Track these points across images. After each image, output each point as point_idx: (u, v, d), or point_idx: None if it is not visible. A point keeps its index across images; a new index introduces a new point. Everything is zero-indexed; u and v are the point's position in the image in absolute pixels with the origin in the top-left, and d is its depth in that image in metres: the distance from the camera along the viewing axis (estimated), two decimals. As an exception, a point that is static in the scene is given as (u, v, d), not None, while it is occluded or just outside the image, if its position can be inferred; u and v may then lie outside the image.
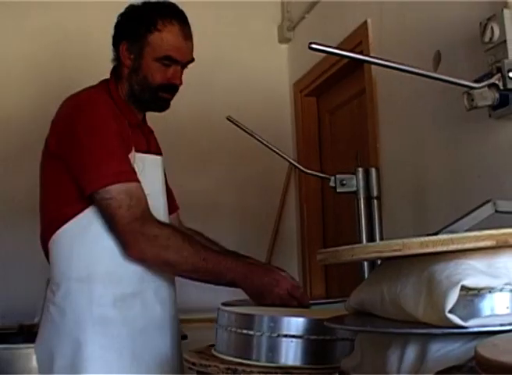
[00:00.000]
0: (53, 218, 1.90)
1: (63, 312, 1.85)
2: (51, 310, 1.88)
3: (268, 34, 3.58)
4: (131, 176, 1.83)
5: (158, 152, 2.10)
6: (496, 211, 1.25)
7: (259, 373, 1.37)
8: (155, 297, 1.94)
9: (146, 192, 1.86)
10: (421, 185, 2.33)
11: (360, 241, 2.09)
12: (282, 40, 3.58)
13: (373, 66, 2.65)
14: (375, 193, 2.07)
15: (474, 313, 1.02)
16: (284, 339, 1.44)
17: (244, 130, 2.03)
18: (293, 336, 1.43)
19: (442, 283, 0.99)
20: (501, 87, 1.27)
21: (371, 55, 2.67)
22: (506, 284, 1.03)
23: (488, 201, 1.24)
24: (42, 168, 1.95)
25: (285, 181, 3.55)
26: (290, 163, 2.24)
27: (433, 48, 2.23)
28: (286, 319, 1.44)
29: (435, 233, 1.19)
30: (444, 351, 1.02)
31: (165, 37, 1.93)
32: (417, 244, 0.99)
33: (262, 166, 3.43)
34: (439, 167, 2.21)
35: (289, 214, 3.58)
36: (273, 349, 1.44)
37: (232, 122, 2.02)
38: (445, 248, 0.98)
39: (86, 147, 1.83)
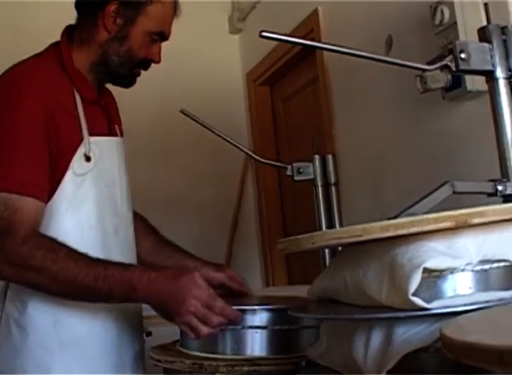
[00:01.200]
0: None
1: (25, 333, 1.60)
2: (13, 330, 1.61)
3: (219, 25, 3.57)
4: (27, 188, 1.52)
5: (121, 131, 1.88)
6: (454, 192, 1.25)
7: (225, 366, 1.36)
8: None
9: (104, 184, 1.67)
10: (378, 170, 2.34)
11: (320, 228, 2.10)
12: (234, 30, 3.57)
13: (325, 53, 2.65)
14: (332, 180, 2.09)
15: (438, 295, 1.03)
16: (249, 330, 1.43)
17: (199, 123, 2.00)
18: (258, 327, 1.42)
19: (404, 267, 0.99)
20: (453, 69, 1.26)
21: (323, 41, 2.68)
22: (468, 264, 1.03)
23: (445, 183, 1.25)
24: None
25: (242, 172, 3.54)
26: (247, 154, 2.22)
27: (385, 33, 2.24)
28: (249, 311, 1.43)
29: (395, 217, 1.18)
30: (409, 334, 1.01)
31: (163, 11, 1.71)
32: (377, 229, 0.99)
33: (219, 158, 3.41)
34: (396, 151, 2.23)
35: (247, 205, 3.57)
36: (238, 341, 1.43)
37: (186, 115, 1.99)
38: (405, 231, 0.98)
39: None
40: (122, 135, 1.85)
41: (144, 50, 1.72)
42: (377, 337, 1.05)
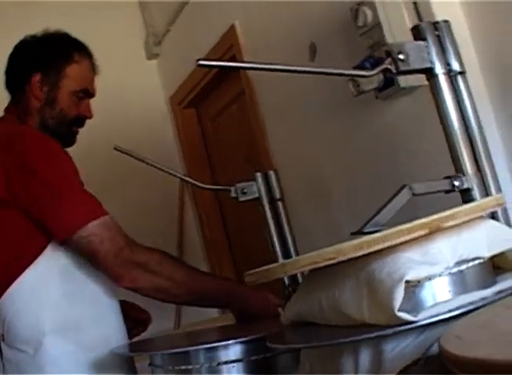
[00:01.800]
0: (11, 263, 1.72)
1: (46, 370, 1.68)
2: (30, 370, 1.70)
3: (135, 53, 3.49)
4: (100, 208, 1.72)
5: None
6: (414, 194, 1.23)
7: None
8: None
9: None
10: (320, 179, 2.32)
11: (273, 245, 2.04)
12: (150, 56, 3.50)
13: (249, 68, 2.63)
14: (277, 195, 2.03)
15: (419, 305, 1.00)
16: (225, 366, 1.38)
17: (133, 156, 1.94)
18: (234, 361, 1.37)
19: (384, 282, 0.96)
20: (394, 71, 1.24)
21: (245, 57, 2.65)
22: (446, 268, 1.00)
23: (404, 187, 1.22)
24: None
25: (179, 198, 3.47)
26: (185, 181, 2.16)
27: (307, 40, 2.22)
28: (222, 346, 1.37)
29: (361, 230, 1.15)
30: (398, 349, 0.98)
31: (82, 70, 1.88)
32: (350, 248, 0.95)
33: (156, 187, 3.33)
34: (335, 157, 2.21)
35: (190, 230, 3.50)
36: None
37: (120, 151, 1.92)
38: (380, 247, 0.94)
39: (49, 186, 1.68)
40: None
41: (74, 108, 1.87)
42: (365, 357, 1.01)
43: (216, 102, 3.22)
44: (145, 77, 3.48)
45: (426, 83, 1.73)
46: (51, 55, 1.86)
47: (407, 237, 0.95)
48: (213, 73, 2.97)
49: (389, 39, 1.79)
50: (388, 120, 1.93)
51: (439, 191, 1.29)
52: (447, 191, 1.30)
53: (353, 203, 2.17)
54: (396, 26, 1.80)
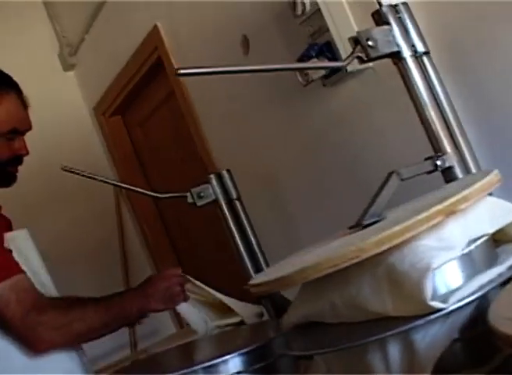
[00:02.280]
0: None
1: None
2: None
3: (51, 66, 3.35)
4: (11, 268, 1.66)
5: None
6: (401, 179, 1.22)
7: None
8: None
9: (32, 270, 1.72)
10: (270, 173, 2.29)
11: (236, 246, 2.01)
12: (67, 67, 3.37)
13: (178, 66, 2.56)
14: (234, 195, 2.00)
15: (440, 288, 0.99)
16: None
17: (84, 175, 1.87)
18: (238, 373, 1.34)
19: (410, 274, 0.94)
20: (365, 58, 1.24)
21: (172, 58, 2.59)
22: (461, 250, 1.00)
23: (392, 173, 1.21)
24: None
25: (116, 208, 3.38)
26: (144, 194, 2.09)
27: (239, 34, 2.18)
28: (221, 362, 1.34)
29: (360, 223, 1.13)
30: (429, 337, 0.97)
31: (6, 110, 1.75)
32: (373, 245, 0.93)
33: (91, 200, 3.25)
34: (285, 150, 2.18)
35: (131, 239, 3.43)
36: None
37: (68, 171, 1.85)
38: (401, 239, 0.93)
39: None
40: None
41: (5, 150, 1.76)
42: (395, 351, 1.00)
43: (143, 107, 3.14)
44: (64, 90, 3.37)
45: (371, 65, 1.76)
46: None
47: (426, 226, 0.94)
48: (138, 77, 2.90)
49: (331, 25, 1.78)
50: (337, 106, 1.92)
51: (422, 173, 1.29)
52: (429, 172, 1.30)
53: (307, 195, 2.15)
54: (336, 11, 1.79)
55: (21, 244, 1.79)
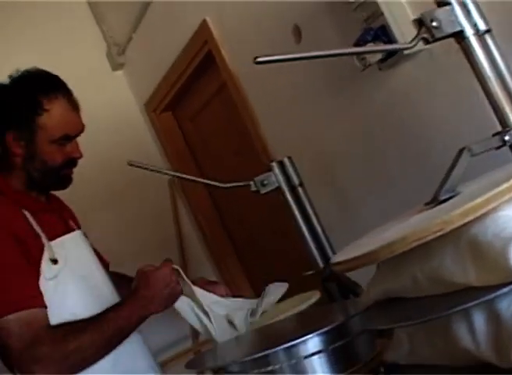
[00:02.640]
0: None
1: None
2: None
3: (99, 67, 3.43)
4: (22, 302, 1.66)
5: (78, 224, 1.99)
6: (472, 155, 1.25)
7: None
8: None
9: (81, 274, 1.78)
10: (329, 159, 2.32)
11: (301, 232, 2.05)
12: (115, 67, 3.45)
13: (229, 60, 2.61)
14: (296, 181, 2.03)
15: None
16: (306, 360, 1.36)
17: (151, 170, 1.92)
18: (315, 353, 1.36)
19: (493, 243, 0.97)
20: (430, 40, 1.26)
21: (222, 50, 2.64)
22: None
23: (463, 149, 1.24)
24: None
25: (172, 205, 3.45)
26: (208, 184, 2.14)
27: (289, 24, 2.22)
28: (300, 342, 1.35)
29: (436, 198, 1.16)
30: (515, 304, 1.00)
31: (55, 117, 1.78)
32: (457, 217, 0.96)
33: (147, 198, 3.31)
34: (343, 135, 2.21)
35: (189, 236, 3.48)
36: (301, 374, 1.36)
37: (134, 166, 1.90)
38: (485, 210, 0.96)
39: None
40: (79, 227, 2.00)
41: (58, 155, 1.81)
42: (480, 320, 1.02)
43: (193, 102, 3.20)
44: (115, 89, 3.44)
45: (427, 46, 1.78)
46: (18, 109, 1.78)
47: (507, 197, 0.97)
48: (187, 73, 2.96)
49: (385, 9, 1.80)
50: (395, 89, 1.94)
51: (491, 149, 1.31)
52: (498, 147, 1.32)
53: (367, 179, 2.18)
54: (389, -5, 1.82)
55: (74, 247, 1.83)
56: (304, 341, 1.35)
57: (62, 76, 1.87)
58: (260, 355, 1.36)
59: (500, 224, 0.99)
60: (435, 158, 1.82)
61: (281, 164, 2.02)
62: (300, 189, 2.04)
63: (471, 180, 1.30)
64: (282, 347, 1.35)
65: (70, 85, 1.87)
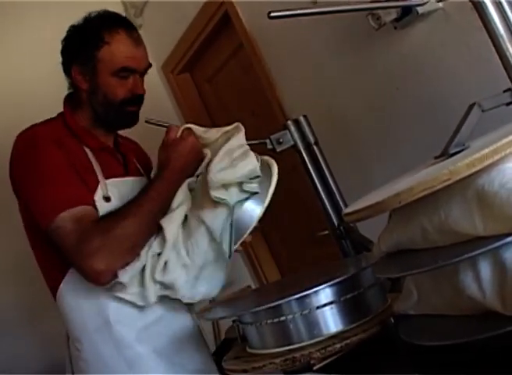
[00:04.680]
0: (50, 273, 1.84)
1: (94, 366, 1.78)
2: (81, 366, 1.80)
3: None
4: (76, 200, 1.72)
5: (144, 171, 2.01)
6: (483, 111, 1.26)
7: (317, 351, 1.33)
8: (178, 311, 1.86)
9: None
10: (343, 118, 2.34)
11: (316, 189, 2.07)
12: (133, 28, 3.45)
13: (246, 21, 2.62)
14: (312, 140, 2.05)
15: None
16: (318, 311, 1.40)
17: (164, 126, 1.93)
18: (327, 304, 1.39)
19: (499, 194, 0.99)
20: (443, -4, 1.28)
21: (239, 11, 2.65)
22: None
23: (473, 105, 1.25)
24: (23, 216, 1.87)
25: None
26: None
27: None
28: (312, 292, 1.38)
29: (446, 152, 1.19)
30: (520, 255, 1.02)
31: (115, 49, 1.83)
32: (464, 168, 0.98)
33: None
34: (358, 95, 2.22)
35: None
36: (313, 324, 1.39)
37: (153, 124, 1.92)
38: (491, 161, 0.98)
39: (30, 186, 1.75)
40: (145, 174, 2.00)
41: (119, 89, 1.84)
42: (486, 269, 1.05)
43: (211, 63, 3.20)
44: (132, 50, 3.43)
45: (441, 5, 1.79)
46: (82, 44, 1.85)
47: (512, 149, 0.99)
48: (205, 34, 2.96)
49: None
50: (410, 48, 1.94)
51: (501, 105, 1.33)
52: (508, 104, 1.34)
53: (381, 138, 2.20)
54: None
55: (130, 189, 1.84)
56: (316, 292, 1.39)
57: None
58: (273, 304, 1.40)
59: (507, 175, 1.01)
60: (448, 115, 1.82)
61: (296, 122, 2.04)
62: (315, 147, 2.06)
63: (483, 136, 1.32)
64: (294, 297, 1.38)
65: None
